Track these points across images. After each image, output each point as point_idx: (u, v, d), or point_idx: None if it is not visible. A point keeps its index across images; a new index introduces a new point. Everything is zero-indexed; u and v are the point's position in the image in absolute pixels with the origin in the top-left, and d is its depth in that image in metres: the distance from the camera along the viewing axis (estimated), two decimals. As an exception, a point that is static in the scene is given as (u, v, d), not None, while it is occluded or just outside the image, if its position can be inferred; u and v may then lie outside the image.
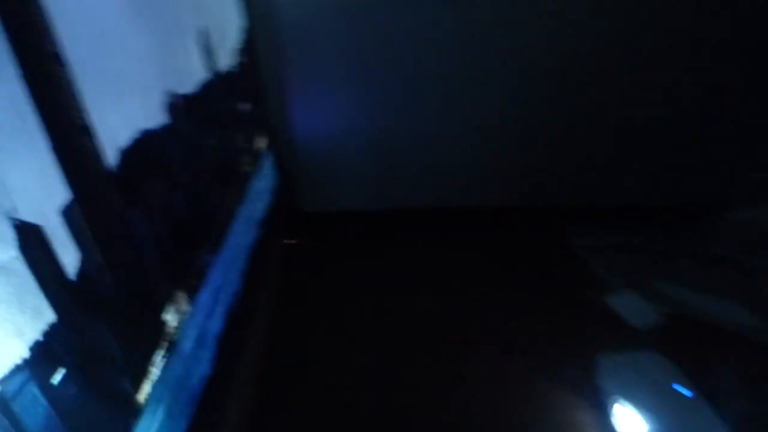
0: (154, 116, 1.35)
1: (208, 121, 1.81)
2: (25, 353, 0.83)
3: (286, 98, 2.92)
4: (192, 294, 1.47)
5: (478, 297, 2.67)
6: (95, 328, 0.99)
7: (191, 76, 1.71)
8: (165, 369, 1.26)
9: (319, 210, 3.27)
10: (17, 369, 0.81)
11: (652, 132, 2.97)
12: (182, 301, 1.40)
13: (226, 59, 2.20)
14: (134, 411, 1.10)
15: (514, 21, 2.69)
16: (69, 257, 0.96)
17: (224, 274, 1.83)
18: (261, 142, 2.67)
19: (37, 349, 0.85)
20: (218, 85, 2.00)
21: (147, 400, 1.15)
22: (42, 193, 0.91)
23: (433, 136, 3.08)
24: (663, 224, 3.13)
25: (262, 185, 2.66)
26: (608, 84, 2.83)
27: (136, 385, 1.14)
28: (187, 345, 1.41)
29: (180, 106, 1.52)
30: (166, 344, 1.28)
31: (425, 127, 3.06)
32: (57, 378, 0.89)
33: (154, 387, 1.19)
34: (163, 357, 1.27)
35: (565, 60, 2.78)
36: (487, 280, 2.82)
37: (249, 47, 2.55)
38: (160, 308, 1.31)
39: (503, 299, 2.66)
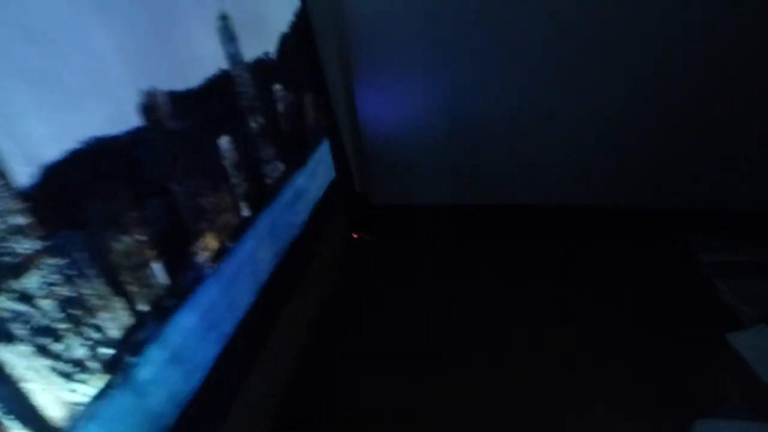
0: (121, 121, 1.19)
1: (222, 116, 1.64)
2: None
3: (352, 85, 2.68)
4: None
5: (571, 320, 2.23)
6: None
7: (197, 70, 1.53)
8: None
9: (388, 203, 3.01)
10: None
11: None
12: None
13: (267, 44, 2.01)
14: None
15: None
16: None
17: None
18: (317, 134, 2.47)
19: None
20: (249, 74, 1.82)
21: None
22: None
23: (514, 129, 2.62)
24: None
25: (320, 178, 2.47)
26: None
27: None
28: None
29: (166, 104, 1.35)
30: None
31: (505, 119, 2.61)
32: None
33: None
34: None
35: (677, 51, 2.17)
36: (583, 294, 2.36)
37: (305, 30, 2.34)
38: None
39: (599, 324, 2.19)
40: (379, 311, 2.38)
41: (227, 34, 1.71)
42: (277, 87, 2.06)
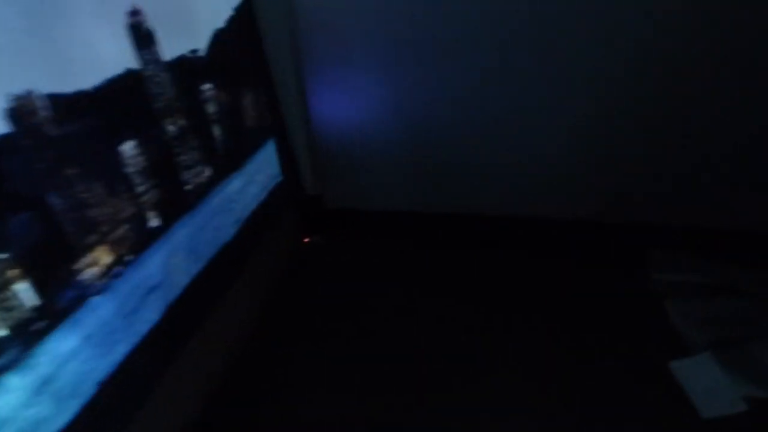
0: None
1: (125, 120, 1.53)
2: None
3: (304, 82, 2.56)
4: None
5: (510, 326, 2.15)
6: None
7: (94, 70, 1.42)
8: None
9: (345, 207, 2.91)
10: None
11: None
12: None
13: (195, 41, 1.89)
14: None
15: None
16: None
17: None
18: (260, 134, 2.36)
19: None
20: (168, 73, 1.71)
21: None
22: None
23: (475, 134, 2.51)
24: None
25: (263, 180, 2.36)
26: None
27: None
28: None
29: (46, 108, 1.24)
30: None
31: (466, 123, 2.50)
32: None
33: None
34: None
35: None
36: (527, 305, 2.27)
37: (248, 25, 2.22)
38: None
39: (536, 331, 2.11)
40: (322, 319, 2.30)
41: (139, 31, 1.59)
42: (207, 86, 1.95)
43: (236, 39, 2.13)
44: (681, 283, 2.20)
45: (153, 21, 1.61)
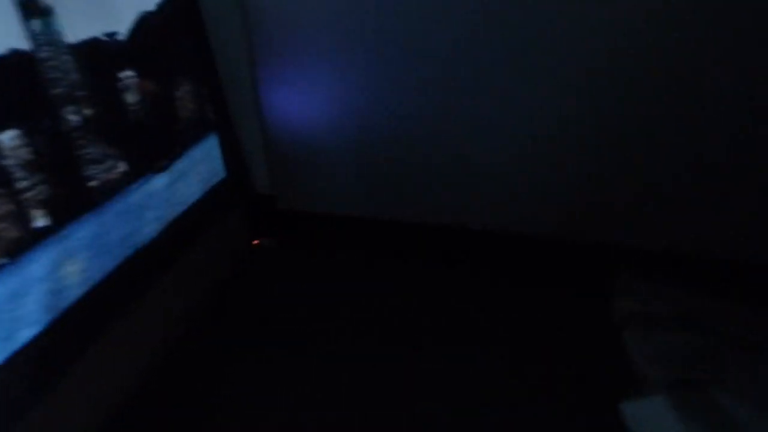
0: None
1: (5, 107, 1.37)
2: None
3: (256, 75, 2.40)
4: None
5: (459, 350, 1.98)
6: None
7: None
8: None
9: (302, 209, 2.74)
10: None
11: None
12: None
13: (113, 23, 1.73)
14: None
15: None
16: None
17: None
18: (198, 127, 2.20)
19: None
20: (71, 56, 1.55)
21: None
22: None
23: (434, 138, 2.32)
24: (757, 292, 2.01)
25: (199, 177, 2.21)
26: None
27: None
28: None
29: None
30: None
31: (427, 126, 2.31)
32: None
33: None
34: None
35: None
36: (475, 329, 2.09)
37: (188, 10, 2.06)
38: None
39: (477, 356, 1.93)
40: (261, 324, 2.16)
41: (32, 8, 1.44)
42: (127, 74, 1.79)
43: (171, 25, 1.97)
44: (645, 313, 2.00)
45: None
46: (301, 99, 2.46)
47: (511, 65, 2.05)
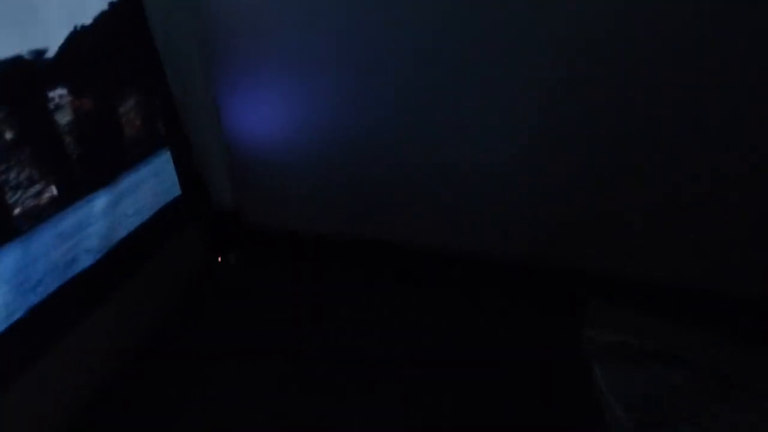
0: None
1: None
2: None
3: (215, 91, 2.29)
4: None
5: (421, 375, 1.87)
6: None
7: None
8: None
9: (268, 225, 2.64)
10: None
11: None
12: None
13: (41, 39, 1.63)
14: None
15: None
16: None
17: None
18: (146, 145, 2.10)
19: None
20: None
21: None
22: None
23: (399, 154, 2.21)
24: (737, 327, 1.87)
25: (150, 195, 2.11)
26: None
27: None
28: None
29: None
30: None
31: (389, 143, 2.19)
32: None
33: None
34: None
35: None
36: (440, 355, 1.98)
37: (134, 24, 1.96)
38: None
39: (438, 385, 1.82)
40: (215, 344, 2.07)
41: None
42: (59, 93, 1.69)
43: (111, 37, 1.86)
44: (616, 345, 1.86)
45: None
46: (265, 111, 2.35)
47: (477, 78, 1.94)
